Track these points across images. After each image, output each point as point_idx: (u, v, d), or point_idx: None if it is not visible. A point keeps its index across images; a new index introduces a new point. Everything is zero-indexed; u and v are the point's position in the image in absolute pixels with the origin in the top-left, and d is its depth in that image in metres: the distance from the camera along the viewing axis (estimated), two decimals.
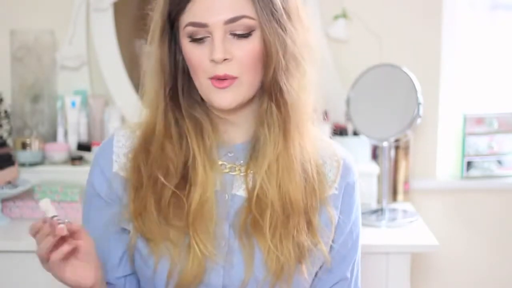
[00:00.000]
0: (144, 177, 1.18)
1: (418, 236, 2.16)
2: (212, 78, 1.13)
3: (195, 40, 1.12)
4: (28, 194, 2.28)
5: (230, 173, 1.21)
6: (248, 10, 1.11)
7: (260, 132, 1.18)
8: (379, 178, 2.41)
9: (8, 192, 2.20)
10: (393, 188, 2.53)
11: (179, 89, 1.18)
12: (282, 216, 1.16)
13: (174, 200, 1.17)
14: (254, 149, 1.20)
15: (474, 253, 2.69)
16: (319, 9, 2.56)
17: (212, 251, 1.15)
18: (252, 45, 1.12)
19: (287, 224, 1.16)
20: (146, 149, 1.19)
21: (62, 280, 1.11)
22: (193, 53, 1.13)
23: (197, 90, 1.18)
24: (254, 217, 1.16)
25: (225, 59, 1.11)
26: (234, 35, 1.12)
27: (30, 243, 2.06)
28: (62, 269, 1.10)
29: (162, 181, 1.16)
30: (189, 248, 1.15)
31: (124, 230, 1.22)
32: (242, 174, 1.20)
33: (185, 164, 1.18)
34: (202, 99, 1.18)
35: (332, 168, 1.23)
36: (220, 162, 1.20)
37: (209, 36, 1.12)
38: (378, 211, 2.31)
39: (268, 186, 1.17)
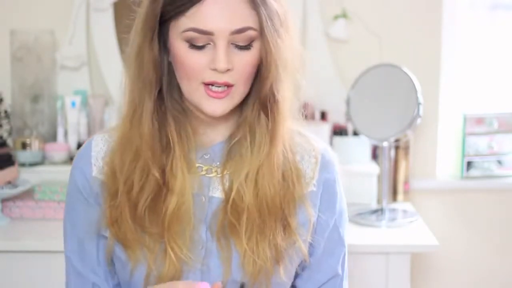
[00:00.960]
0: (119, 182, 1.16)
1: (418, 236, 2.15)
2: (207, 84, 1.11)
3: (194, 46, 1.10)
4: (28, 194, 2.28)
5: (207, 175, 1.20)
6: (252, 21, 1.10)
7: (242, 141, 1.18)
8: (379, 178, 2.41)
9: (8, 192, 2.19)
10: (393, 188, 2.53)
11: (164, 90, 1.16)
12: (259, 220, 1.16)
13: (150, 206, 1.16)
14: (229, 151, 1.19)
15: (474, 253, 2.69)
16: (319, 9, 2.57)
17: (188, 255, 1.14)
18: (251, 56, 1.12)
19: (263, 228, 1.16)
20: (122, 152, 1.17)
21: None
22: (190, 58, 1.11)
23: (177, 89, 1.17)
24: (230, 221, 1.16)
25: (227, 70, 1.10)
26: (236, 45, 1.11)
27: (30, 243, 2.08)
28: None
29: (138, 187, 1.15)
30: (165, 253, 1.14)
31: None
32: (219, 175, 1.19)
33: (163, 167, 1.16)
34: (180, 98, 1.17)
35: (310, 164, 1.22)
36: (196, 164, 1.19)
37: (210, 43, 1.10)
38: (378, 211, 2.31)
39: (245, 191, 1.16)
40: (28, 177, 2.34)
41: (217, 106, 1.12)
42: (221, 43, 1.09)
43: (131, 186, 1.16)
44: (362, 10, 2.58)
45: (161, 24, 1.12)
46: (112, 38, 2.57)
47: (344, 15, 2.56)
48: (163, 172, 1.16)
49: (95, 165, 1.21)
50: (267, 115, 1.16)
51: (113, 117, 2.47)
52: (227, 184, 1.18)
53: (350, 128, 2.47)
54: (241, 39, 1.10)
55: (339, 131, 2.48)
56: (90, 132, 2.52)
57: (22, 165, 2.38)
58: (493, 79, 2.73)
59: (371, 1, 2.61)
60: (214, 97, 1.12)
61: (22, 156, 2.39)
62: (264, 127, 1.16)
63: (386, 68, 2.30)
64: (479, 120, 2.61)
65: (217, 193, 1.19)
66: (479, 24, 2.70)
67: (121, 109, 1.21)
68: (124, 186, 1.16)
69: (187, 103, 1.17)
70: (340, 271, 1.26)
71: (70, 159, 2.42)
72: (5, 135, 2.53)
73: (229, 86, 1.12)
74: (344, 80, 2.54)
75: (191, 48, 1.11)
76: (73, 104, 2.48)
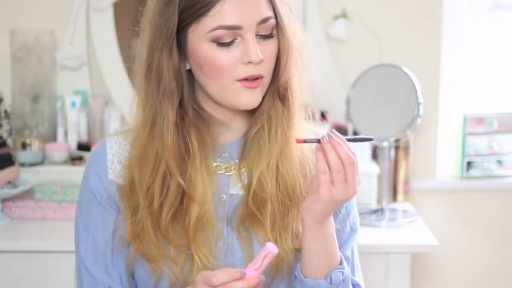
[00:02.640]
0: (140, 197, 1.16)
1: (418, 236, 2.15)
2: (242, 80, 1.12)
3: (223, 44, 1.11)
4: (28, 194, 2.28)
5: (226, 173, 1.21)
6: (270, 9, 1.12)
7: (260, 132, 1.18)
8: (379, 178, 2.41)
9: (8, 192, 2.19)
10: (393, 188, 2.53)
11: (185, 99, 1.16)
12: (281, 209, 1.17)
13: (173, 216, 1.16)
14: (246, 146, 1.20)
15: (474, 253, 2.68)
16: (319, 9, 2.56)
17: (214, 262, 1.15)
18: (275, 44, 1.14)
19: (286, 216, 1.17)
20: (141, 165, 1.16)
21: None
22: (220, 57, 1.11)
23: (195, 99, 1.17)
24: (251, 212, 1.17)
25: (260, 60, 1.11)
26: (260, 36, 1.12)
27: (30, 243, 2.08)
28: None
29: (159, 199, 1.15)
30: (192, 263, 1.14)
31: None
32: (237, 173, 1.20)
33: (184, 176, 1.16)
34: (199, 107, 1.18)
35: None
36: (215, 164, 1.20)
37: (237, 39, 1.11)
38: (378, 211, 2.31)
39: (267, 180, 1.17)
40: (28, 177, 2.34)
41: (254, 96, 1.14)
42: (250, 36, 1.10)
43: (151, 199, 1.15)
44: (362, 10, 2.58)
45: (178, 32, 1.12)
46: (112, 38, 2.57)
47: (344, 15, 2.56)
48: (183, 181, 1.15)
49: (111, 168, 1.20)
50: (283, 102, 1.17)
51: (113, 117, 2.47)
52: (245, 180, 1.19)
53: (350, 128, 2.47)
54: (264, 29, 1.12)
55: (339, 131, 2.47)
56: (90, 132, 2.52)
57: (22, 165, 2.38)
58: (493, 79, 2.72)
59: (371, 1, 2.61)
60: (250, 87, 1.12)
61: (22, 156, 2.39)
62: (280, 114, 1.18)
63: (386, 68, 2.30)
64: (479, 120, 2.61)
65: (237, 190, 1.20)
66: (479, 24, 2.70)
67: (134, 119, 1.20)
68: (145, 200, 1.15)
69: (208, 105, 1.18)
70: (349, 255, 1.25)
71: (71, 159, 2.42)
72: (5, 135, 2.53)
73: (261, 77, 1.13)
74: (344, 80, 2.54)
75: (220, 46, 1.11)
76: (73, 104, 2.48)
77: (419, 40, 2.60)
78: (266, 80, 1.15)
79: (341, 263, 1.17)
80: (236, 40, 1.11)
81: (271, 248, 1.06)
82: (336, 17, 2.57)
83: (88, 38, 2.59)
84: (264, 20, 1.11)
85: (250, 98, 1.13)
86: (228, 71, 1.11)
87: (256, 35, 1.11)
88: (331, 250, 1.15)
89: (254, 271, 1.06)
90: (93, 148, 1.26)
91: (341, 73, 2.57)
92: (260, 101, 1.15)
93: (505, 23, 2.71)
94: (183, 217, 1.15)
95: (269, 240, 1.14)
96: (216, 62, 1.11)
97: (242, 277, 1.05)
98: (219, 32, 1.10)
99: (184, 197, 1.16)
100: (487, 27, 2.71)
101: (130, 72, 2.55)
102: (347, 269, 1.18)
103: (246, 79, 1.12)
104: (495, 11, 2.72)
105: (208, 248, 1.15)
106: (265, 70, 1.13)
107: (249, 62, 1.11)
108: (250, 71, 1.12)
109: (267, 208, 1.16)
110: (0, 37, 2.55)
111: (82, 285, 1.22)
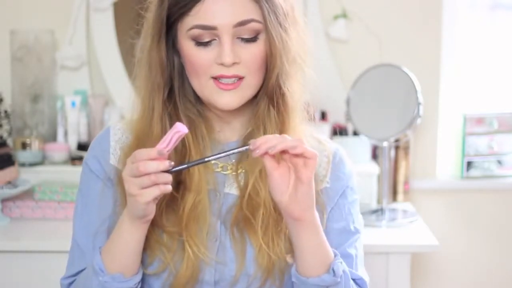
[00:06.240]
0: None
1: (418, 236, 2.15)
2: (216, 78, 1.13)
3: (201, 43, 1.13)
4: (28, 194, 2.28)
5: (222, 172, 1.22)
6: (255, 13, 1.12)
7: (255, 134, 1.19)
8: (379, 178, 2.41)
9: (8, 192, 2.19)
10: (393, 188, 2.53)
11: (175, 91, 1.19)
12: (275, 215, 1.17)
13: (168, 204, 1.17)
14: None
15: (474, 253, 2.69)
16: (319, 9, 2.56)
17: (205, 253, 1.16)
18: (259, 48, 1.14)
19: (279, 222, 1.17)
20: None
21: (146, 205, 1.06)
22: (197, 56, 1.13)
23: (191, 91, 1.19)
24: (245, 215, 1.17)
25: (234, 63, 1.12)
26: (242, 39, 1.13)
27: (30, 243, 2.08)
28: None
29: None
30: (183, 251, 1.16)
31: None
32: (234, 173, 1.21)
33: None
34: (195, 99, 1.20)
35: (322, 163, 1.24)
36: (212, 161, 1.20)
37: (215, 39, 1.13)
38: (378, 211, 2.31)
39: (260, 186, 1.17)
40: (28, 177, 2.34)
41: (229, 98, 1.14)
42: (226, 37, 1.11)
43: None
44: (362, 10, 2.58)
45: (170, 27, 1.15)
46: (112, 38, 2.57)
47: (344, 15, 2.56)
48: (179, 172, 1.16)
49: (112, 154, 1.23)
50: (275, 107, 1.18)
51: (113, 117, 2.47)
52: (242, 181, 1.20)
53: (350, 128, 2.47)
54: (245, 32, 1.12)
55: (339, 131, 2.48)
56: (90, 132, 2.52)
57: (22, 165, 2.38)
58: (493, 79, 2.73)
59: (371, 1, 2.61)
60: (224, 89, 1.14)
61: (22, 156, 2.39)
62: (273, 119, 1.19)
63: (386, 68, 2.30)
64: (479, 120, 2.61)
65: (233, 190, 1.21)
66: (479, 24, 2.70)
67: (132, 110, 1.22)
68: None
69: (203, 102, 1.19)
70: (353, 254, 1.26)
71: (71, 159, 2.42)
72: (5, 135, 2.53)
73: (239, 78, 1.14)
74: (344, 80, 2.54)
75: (197, 45, 1.13)
76: (73, 104, 2.48)
77: (419, 40, 2.60)
78: (251, 82, 1.15)
79: (335, 256, 1.16)
80: (214, 41, 1.13)
81: (180, 128, 1.05)
82: (336, 17, 2.57)
83: (88, 38, 2.59)
84: (242, 23, 1.11)
85: (226, 99, 1.14)
86: (203, 69, 1.13)
87: (238, 38, 1.13)
88: (324, 242, 1.14)
89: (163, 149, 1.05)
90: (97, 134, 1.28)
91: (341, 73, 2.57)
92: (238, 103, 1.15)
93: (505, 23, 2.71)
94: (178, 205, 1.17)
95: (259, 245, 1.15)
96: (193, 60, 1.14)
97: (158, 157, 1.04)
98: (196, 31, 1.12)
99: (180, 186, 1.17)
100: (487, 27, 2.71)
101: (130, 72, 2.56)
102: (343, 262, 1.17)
103: (220, 79, 1.13)
104: (495, 11, 2.72)
105: (200, 239, 1.16)
106: (244, 71, 1.14)
107: (222, 64, 1.12)
108: (224, 71, 1.13)
109: (259, 213, 1.17)
110: (0, 37, 2.55)
111: (72, 258, 1.24)
